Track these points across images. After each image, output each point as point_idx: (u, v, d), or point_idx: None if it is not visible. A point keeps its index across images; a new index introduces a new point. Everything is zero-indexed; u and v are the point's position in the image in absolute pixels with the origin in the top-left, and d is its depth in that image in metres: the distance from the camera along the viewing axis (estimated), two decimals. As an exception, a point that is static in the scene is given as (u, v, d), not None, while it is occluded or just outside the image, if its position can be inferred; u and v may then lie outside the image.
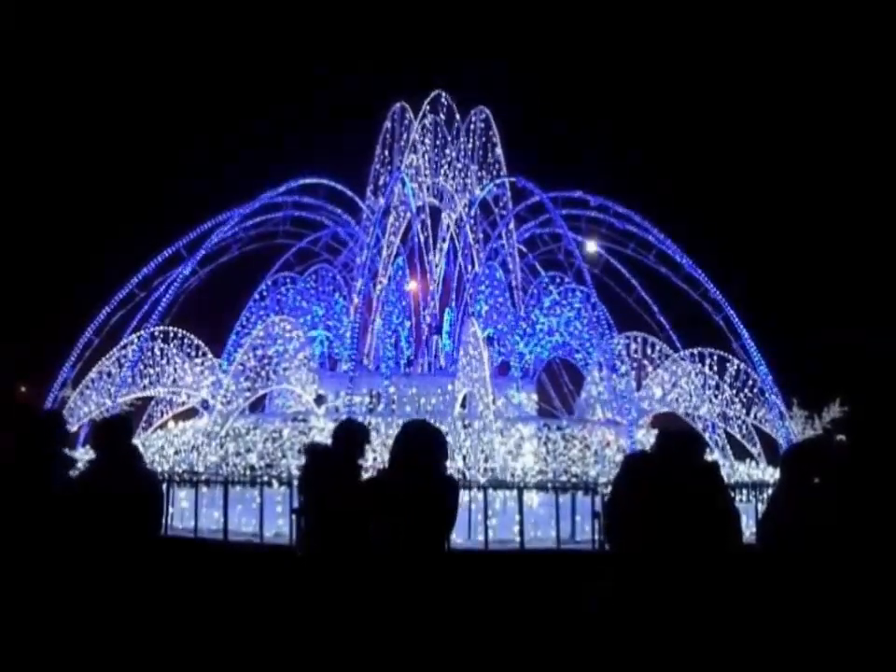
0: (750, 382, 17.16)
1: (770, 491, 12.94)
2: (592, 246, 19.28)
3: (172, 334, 17.43)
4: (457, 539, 11.92)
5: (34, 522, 6.21)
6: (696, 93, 37.12)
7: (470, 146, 21.08)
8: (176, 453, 15.64)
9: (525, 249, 20.86)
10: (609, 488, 7.07)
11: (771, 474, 15.33)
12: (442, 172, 20.80)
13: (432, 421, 15.17)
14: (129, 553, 6.21)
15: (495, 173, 21.06)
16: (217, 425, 15.42)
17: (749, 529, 11.40)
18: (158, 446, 16.04)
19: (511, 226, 20.41)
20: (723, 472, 8.08)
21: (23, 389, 30.93)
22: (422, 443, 5.51)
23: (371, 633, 5.11)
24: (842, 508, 4.68)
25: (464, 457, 14.38)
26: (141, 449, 7.40)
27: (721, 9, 37.51)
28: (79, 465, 7.44)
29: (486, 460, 14.15)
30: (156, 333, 17.23)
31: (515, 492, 12.68)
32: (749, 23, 38.51)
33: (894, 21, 31.71)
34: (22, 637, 6.12)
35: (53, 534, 6.18)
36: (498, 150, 21.08)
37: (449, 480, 5.78)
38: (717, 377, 17.17)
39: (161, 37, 36.94)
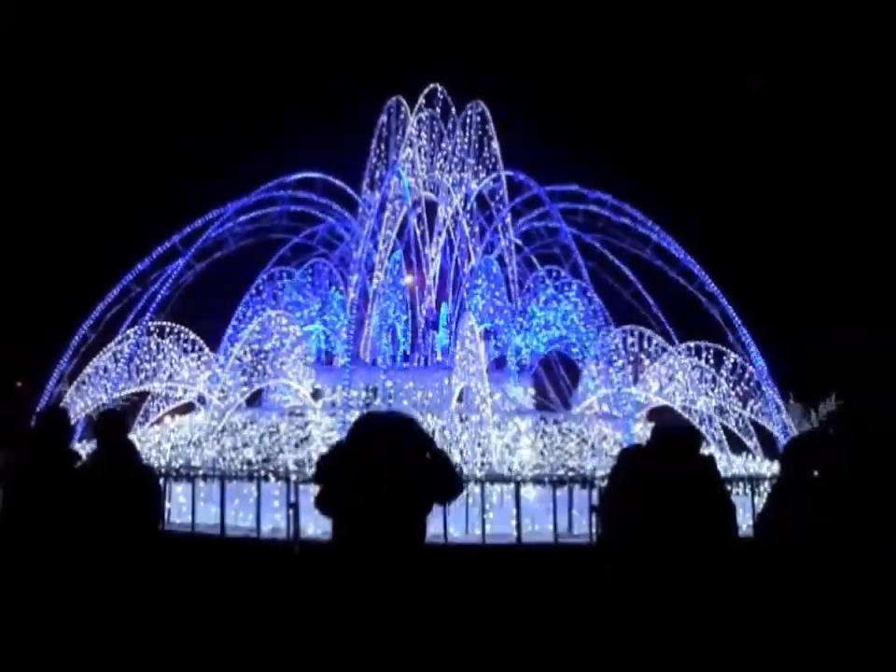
0: (747, 375, 17.17)
1: (767, 484, 12.97)
2: None
3: (168, 329, 17.39)
4: (454, 532, 11.93)
5: (56, 517, 6.27)
6: (696, 87, 37.10)
7: (467, 139, 21.04)
8: (173, 448, 15.62)
9: (521, 243, 20.83)
10: (606, 482, 7.06)
11: (768, 467, 15.33)
12: (438, 166, 20.77)
13: (429, 415, 15.24)
14: (129, 546, 6.22)
15: (491, 166, 21.02)
16: (214, 419, 15.41)
17: (745, 523, 11.44)
18: (154, 441, 16.02)
19: (508, 220, 20.38)
20: (720, 466, 8.08)
21: (20, 384, 30.88)
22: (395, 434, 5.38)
23: (368, 627, 5.10)
24: (841, 501, 4.68)
25: (461, 451, 14.39)
26: (137, 444, 7.40)
27: (719, 4, 37.49)
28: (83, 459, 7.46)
29: (483, 454, 14.15)
30: (152, 328, 17.19)
31: (512, 486, 12.66)
32: (747, 17, 38.47)
33: (894, 21, 31.71)
34: (24, 630, 6.13)
35: (65, 527, 6.22)
36: (495, 144, 21.04)
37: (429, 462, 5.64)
38: (713, 370, 17.17)
39: (158, 34, 36.85)
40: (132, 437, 7.13)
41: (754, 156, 36.24)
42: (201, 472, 13.56)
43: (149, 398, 18.37)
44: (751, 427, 17.50)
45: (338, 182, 19.86)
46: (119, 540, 6.16)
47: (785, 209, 34.63)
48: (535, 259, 20.87)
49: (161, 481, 12.72)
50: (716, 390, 17.07)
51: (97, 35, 35.10)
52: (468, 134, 21.05)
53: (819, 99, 35.83)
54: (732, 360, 17.22)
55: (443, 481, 5.39)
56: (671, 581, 5.07)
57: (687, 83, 37.39)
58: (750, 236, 33.57)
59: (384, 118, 21.07)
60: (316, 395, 17.59)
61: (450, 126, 20.98)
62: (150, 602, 6.44)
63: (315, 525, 11.57)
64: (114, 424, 6.64)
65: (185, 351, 17.49)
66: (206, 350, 17.73)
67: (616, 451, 12.81)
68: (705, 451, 11.84)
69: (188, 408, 18.46)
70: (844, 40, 34.94)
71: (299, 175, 19.12)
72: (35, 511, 6.52)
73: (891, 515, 4.58)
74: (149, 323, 17.16)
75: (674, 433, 5.63)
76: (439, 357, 18.96)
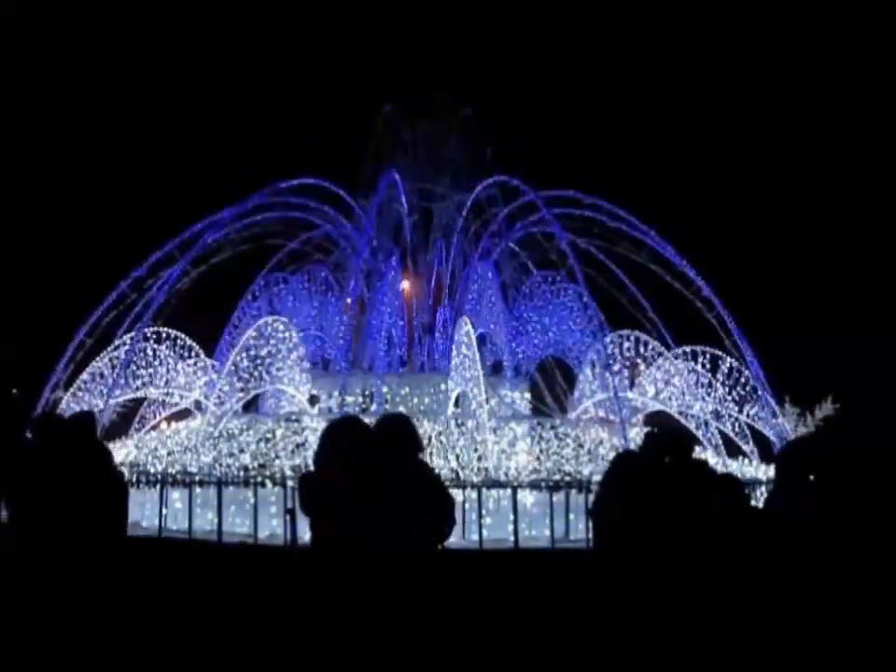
0: (743, 379, 17.20)
1: (763, 489, 12.99)
2: None
3: (164, 335, 17.38)
4: (451, 538, 11.92)
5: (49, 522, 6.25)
6: (691, 92, 37.20)
7: (463, 145, 21.06)
8: (169, 453, 15.61)
9: (517, 248, 20.86)
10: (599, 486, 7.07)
11: (764, 472, 15.36)
12: (434, 171, 20.78)
13: (426, 420, 15.23)
14: (97, 548, 6.17)
15: (487, 172, 21.05)
16: (211, 425, 15.40)
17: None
18: (151, 447, 16.01)
19: (504, 225, 20.40)
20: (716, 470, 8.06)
21: (15, 391, 30.79)
22: (398, 435, 5.31)
23: (366, 633, 5.10)
24: (830, 506, 4.70)
25: (457, 456, 14.39)
26: (115, 450, 7.38)
27: (715, 7, 37.62)
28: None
29: (480, 459, 14.16)
30: (148, 334, 17.18)
31: (509, 491, 12.69)
32: (743, 21, 38.60)
33: (893, 21, 31.84)
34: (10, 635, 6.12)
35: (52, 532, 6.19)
36: (490, 150, 21.07)
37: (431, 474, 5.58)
38: (709, 375, 17.19)
39: (156, 41, 36.90)
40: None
41: (750, 160, 36.35)
42: (197, 478, 13.58)
43: (146, 403, 18.35)
44: (748, 432, 17.52)
45: (334, 188, 19.88)
46: (93, 545, 6.12)
47: (781, 213, 34.73)
48: (531, 264, 20.91)
49: (158, 486, 12.76)
50: (712, 395, 17.09)
51: (94, 40, 35.16)
52: (464, 140, 21.07)
53: (816, 103, 35.95)
54: (728, 365, 17.25)
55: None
56: (662, 584, 5.08)
57: (684, 88, 37.53)
58: (746, 240, 33.66)
59: (380, 124, 21.10)
60: (313, 400, 17.59)
61: (446, 132, 21.00)
62: (122, 607, 6.40)
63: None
64: (82, 426, 6.54)
65: (181, 357, 17.48)
66: (203, 356, 17.72)
67: (612, 455, 12.87)
68: (701, 455, 11.88)
69: (184, 414, 18.44)
70: (844, 40, 35.08)
71: (295, 182, 19.12)
72: (40, 517, 6.47)
73: (879, 522, 4.60)
74: (146, 329, 17.15)
75: (665, 438, 5.64)
76: (435, 363, 18.96)
